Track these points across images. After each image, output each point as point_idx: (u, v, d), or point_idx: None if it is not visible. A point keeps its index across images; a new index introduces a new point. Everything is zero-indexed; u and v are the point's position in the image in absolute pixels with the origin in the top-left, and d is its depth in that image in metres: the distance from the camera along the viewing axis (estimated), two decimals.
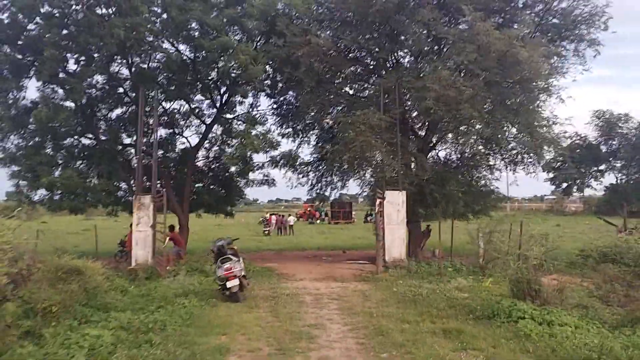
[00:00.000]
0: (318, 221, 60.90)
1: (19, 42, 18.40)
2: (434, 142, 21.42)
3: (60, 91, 19.66)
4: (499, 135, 19.29)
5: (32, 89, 19.86)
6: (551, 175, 29.53)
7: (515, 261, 9.91)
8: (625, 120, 22.95)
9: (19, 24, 18.22)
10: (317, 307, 10.43)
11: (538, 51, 15.82)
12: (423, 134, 21.32)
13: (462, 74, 17.26)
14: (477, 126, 19.01)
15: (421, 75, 16.95)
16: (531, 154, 20.11)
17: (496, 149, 20.60)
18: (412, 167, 19.72)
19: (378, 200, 16.58)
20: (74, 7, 17.54)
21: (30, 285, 8.72)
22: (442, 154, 22.11)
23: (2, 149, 20.01)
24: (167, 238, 17.48)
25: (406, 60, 19.97)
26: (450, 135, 20.67)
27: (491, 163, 21.15)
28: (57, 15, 17.45)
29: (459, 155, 21.47)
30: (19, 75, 18.92)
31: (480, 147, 20.55)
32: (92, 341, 7.09)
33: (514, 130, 19.92)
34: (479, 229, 15.20)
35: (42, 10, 17.66)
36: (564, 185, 32.26)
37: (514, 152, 20.64)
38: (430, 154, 21.47)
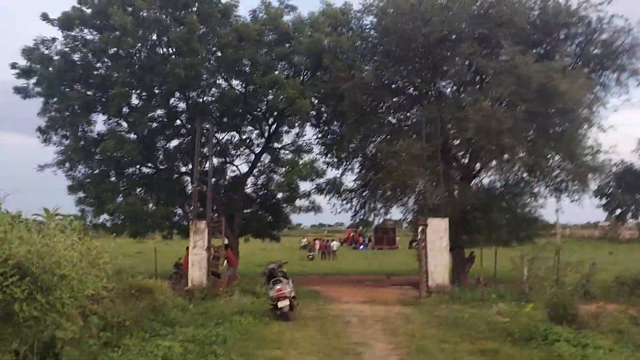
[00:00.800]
0: (361, 246, 61.24)
1: (90, 81, 20.30)
2: (478, 169, 21.84)
3: (124, 124, 21.47)
4: (543, 164, 19.63)
5: (98, 122, 21.84)
6: (603, 201, 28.08)
7: (551, 287, 10.35)
8: None
9: (89, 64, 20.15)
10: (362, 327, 11.14)
11: (578, 82, 16.26)
12: (466, 161, 21.78)
13: (503, 105, 17.80)
14: (520, 154, 19.46)
15: (462, 105, 17.56)
16: (575, 182, 20.25)
17: (540, 176, 20.89)
18: (455, 194, 20.23)
19: (420, 228, 17.14)
20: (137, 47, 19.29)
21: (106, 302, 9.83)
22: (485, 181, 22.55)
23: (71, 177, 21.79)
24: (225, 260, 18.52)
25: (448, 90, 20.66)
26: (494, 162, 21.04)
27: (535, 191, 21.37)
28: (123, 55, 19.19)
29: (503, 183, 21.80)
30: (88, 110, 20.81)
31: (525, 174, 20.91)
32: (164, 351, 8.04)
33: (557, 157, 20.19)
34: (522, 255, 15.50)
35: (110, 52, 19.51)
36: (618, 211, 31.28)
37: (558, 179, 20.84)
38: (473, 181, 21.94)
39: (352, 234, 66.55)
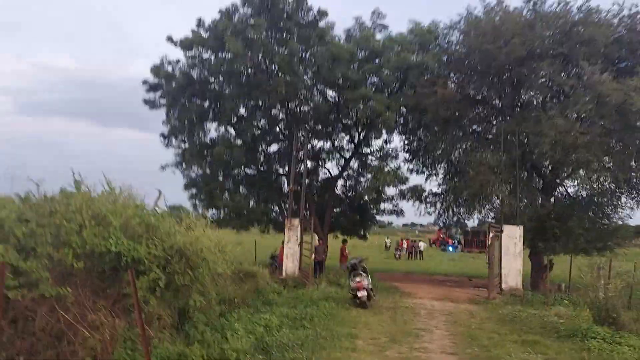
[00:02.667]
0: (450, 248, 61.56)
1: (205, 94, 23.65)
2: (563, 178, 22.45)
3: (232, 131, 24.67)
4: (629, 175, 20.01)
5: (210, 130, 25.41)
6: None
7: (595, 292, 11.51)
8: None
9: (206, 80, 23.48)
10: (429, 318, 12.96)
11: None
12: (547, 172, 22.49)
13: (581, 121, 18.53)
14: (607, 166, 20.02)
15: (539, 121, 18.54)
16: None
17: (625, 187, 21.20)
18: (534, 203, 21.13)
19: (490, 234, 18.42)
20: (246, 68, 22.23)
21: (221, 282, 12.50)
22: (571, 190, 23.11)
23: (187, 176, 25.42)
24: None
25: (528, 105, 21.51)
26: (581, 172, 21.58)
27: (622, 201, 21.66)
28: (234, 74, 22.21)
29: (587, 193, 22.26)
30: (203, 119, 24.20)
31: (612, 185, 21.33)
32: (265, 322, 10.44)
33: None
34: (590, 265, 16.30)
35: (223, 70, 22.65)
36: None
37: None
38: (557, 190, 22.64)
39: (441, 235, 66.98)
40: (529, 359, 8.76)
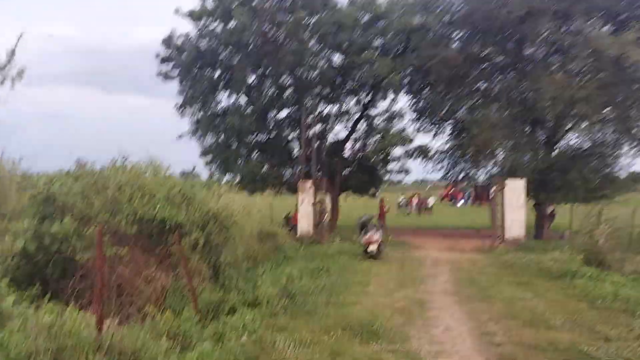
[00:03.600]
0: (461, 201, 62.63)
1: (216, 65, 24.50)
2: (561, 133, 23.27)
3: (242, 99, 25.64)
4: (632, 124, 20.80)
5: (222, 99, 26.00)
6: None
7: (585, 237, 12.67)
8: None
9: (215, 51, 24.26)
10: (434, 267, 14.26)
11: None
12: (551, 125, 23.22)
13: (579, 77, 19.24)
14: (609, 116, 20.82)
15: (538, 78, 19.28)
16: None
17: (627, 137, 21.99)
18: (536, 156, 22.06)
19: (493, 187, 19.49)
20: (254, 37, 22.95)
21: (246, 240, 13.82)
22: (572, 142, 23.97)
23: (201, 144, 26.57)
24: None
25: (529, 61, 22.15)
26: (585, 123, 22.34)
27: (624, 150, 22.47)
28: (242, 44, 22.96)
29: (587, 145, 23.11)
30: (215, 89, 25.14)
31: (614, 135, 22.14)
32: (287, 273, 11.73)
33: None
34: (587, 213, 17.37)
35: (231, 39, 23.40)
36: None
37: None
38: (559, 142, 23.52)
39: (452, 189, 68.01)
40: (519, 295, 10.01)
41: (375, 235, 15.42)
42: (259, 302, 8.47)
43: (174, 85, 25.83)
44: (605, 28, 19.84)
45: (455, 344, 7.07)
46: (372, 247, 15.15)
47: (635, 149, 22.46)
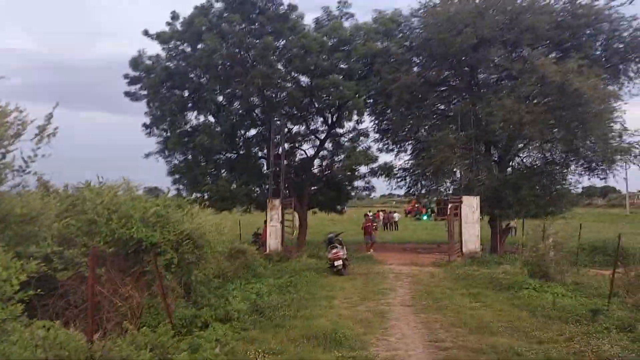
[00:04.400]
0: (425, 217, 64.23)
1: (185, 85, 25.10)
2: (514, 152, 24.76)
3: (211, 119, 26.24)
4: (577, 145, 22.34)
5: (191, 118, 26.41)
6: None
7: (530, 251, 13.80)
8: None
9: (185, 72, 24.87)
10: (395, 280, 15.15)
11: (591, 80, 18.85)
12: (502, 145, 24.70)
13: (527, 101, 20.68)
14: (558, 137, 22.35)
15: (489, 102, 20.63)
16: (602, 163, 22.78)
17: (573, 157, 23.58)
18: (490, 174, 23.41)
19: (450, 205, 20.65)
20: (221, 60, 23.67)
21: (217, 260, 14.39)
22: (525, 160, 25.50)
23: (169, 162, 26.98)
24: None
25: (482, 85, 23.61)
26: (536, 143, 23.87)
27: (566, 170, 24.07)
28: (212, 66, 23.65)
29: (538, 163, 24.67)
30: (184, 109, 25.69)
31: (563, 154, 23.72)
32: (256, 290, 12.44)
33: (588, 142, 22.76)
34: (534, 228, 18.65)
35: (201, 62, 24.08)
36: None
37: (589, 160, 23.45)
38: (512, 161, 24.99)
39: (416, 205, 69.61)
40: (469, 305, 10.95)
41: (341, 252, 16.23)
42: (230, 317, 9.12)
43: (141, 104, 26.28)
44: (552, 55, 21.38)
45: (408, 349, 7.89)
46: (338, 263, 15.94)
47: (581, 167, 24.11)
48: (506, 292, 12.40)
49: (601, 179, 23.94)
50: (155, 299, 9.04)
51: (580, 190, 25.70)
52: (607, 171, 23.09)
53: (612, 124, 21.10)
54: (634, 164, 23.00)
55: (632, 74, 22.17)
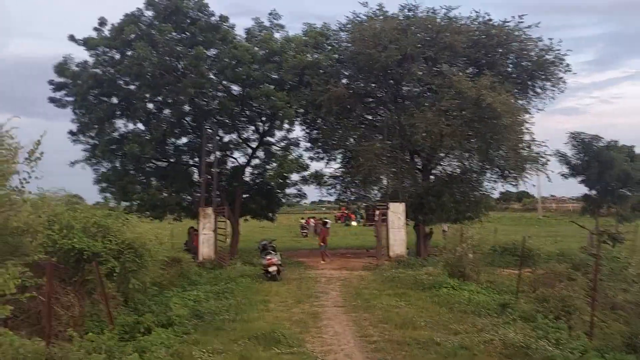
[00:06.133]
0: (354, 223, 65.91)
1: (114, 92, 24.72)
2: (435, 161, 26.49)
3: (141, 126, 26.01)
4: (492, 155, 24.25)
5: (120, 126, 25.80)
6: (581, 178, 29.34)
7: (448, 254, 15.13)
8: (597, 140, 27.38)
9: (114, 79, 24.51)
10: (327, 284, 15.98)
11: (502, 96, 20.71)
12: (425, 155, 26.35)
13: (447, 114, 22.32)
14: (475, 147, 24.17)
15: (412, 114, 22.08)
16: (513, 171, 24.88)
17: (488, 165, 25.57)
18: (414, 182, 24.92)
19: (377, 211, 21.85)
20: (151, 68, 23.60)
21: (150, 267, 14.53)
22: (447, 169, 27.32)
23: (97, 171, 26.38)
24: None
25: (406, 98, 25.17)
26: (455, 152, 25.68)
27: (482, 178, 26.08)
28: (142, 73, 23.52)
29: (458, 171, 26.52)
30: (112, 117, 25.29)
31: (480, 163, 25.62)
32: (194, 297, 12.76)
33: (501, 151, 24.78)
34: (453, 232, 20.19)
35: (131, 70, 23.85)
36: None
37: (502, 168, 25.52)
38: (435, 169, 26.70)
39: (345, 212, 71.35)
40: (395, 304, 11.94)
41: (275, 258, 16.83)
42: (171, 322, 9.49)
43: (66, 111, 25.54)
44: (469, 70, 23.20)
45: (341, 344, 8.66)
46: (272, 269, 16.53)
47: (495, 175, 26.21)
48: (428, 291, 13.53)
49: (513, 186, 26.13)
50: (97, 306, 9.24)
51: (497, 196, 27.87)
52: (518, 178, 25.23)
53: (521, 136, 23.15)
54: (541, 171, 25.35)
55: (538, 90, 24.51)
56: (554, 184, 54.98)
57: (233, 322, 10.23)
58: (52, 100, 25.26)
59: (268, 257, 16.92)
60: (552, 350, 7.36)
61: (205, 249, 21.89)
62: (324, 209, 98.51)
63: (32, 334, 7.77)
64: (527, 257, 15.35)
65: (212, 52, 24.34)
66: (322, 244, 24.57)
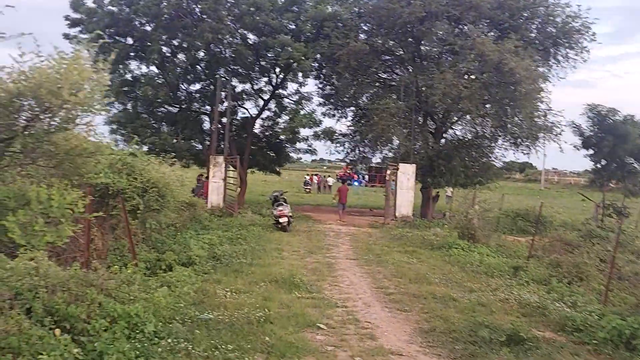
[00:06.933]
0: (355, 183, 66.18)
1: (131, 32, 24.27)
2: (453, 122, 26.33)
3: (154, 69, 25.71)
4: (506, 121, 24.08)
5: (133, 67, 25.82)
6: (591, 151, 28.72)
7: (460, 216, 15.26)
8: (613, 113, 27.08)
9: (131, 19, 24.04)
10: (336, 238, 16.18)
11: (525, 61, 20.37)
12: (440, 117, 26.18)
13: (466, 76, 22.02)
14: (489, 112, 23.98)
15: (432, 74, 21.79)
16: (527, 139, 24.76)
17: (501, 132, 25.42)
18: (426, 144, 24.85)
19: (389, 170, 21.87)
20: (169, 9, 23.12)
21: (165, 211, 14.67)
22: (459, 133, 27.23)
23: (107, 111, 26.23)
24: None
25: (425, 57, 24.77)
26: (468, 117, 25.53)
27: (499, 143, 25.97)
28: (160, 14, 23.07)
29: (469, 136, 26.42)
30: (127, 57, 24.93)
31: (492, 129, 25.46)
32: (207, 240, 12.92)
33: (516, 119, 24.59)
34: (464, 196, 20.28)
35: (149, 10, 23.34)
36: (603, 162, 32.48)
37: (515, 136, 25.38)
38: (447, 132, 26.58)
39: (348, 171, 71.52)
40: (406, 260, 12.12)
41: (286, 209, 16.97)
42: (192, 261, 9.65)
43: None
44: (491, 34, 22.74)
45: (358, 293, 8.84)
46: (283, 220, 16.70)
47: (507, 142, 26.09)
48: (438, 251, 13.71)
49: (525, 154, 26.03)
50: (119, 242, 9.38)
51: (500, 165, 27.82)
52: (531, 147, 25.17)
53: (538, 104, 22.94)
54: (554, 141, 25.23)
55: (560, 58, 24.06)
56: (555, 156, 54.94)
57: (250, 265, 10.41)
58: (66, 36, 24.85)
59: (280, 208, 17.07)
60: (569, 312, 7.51)
61: (214, 197, 22.02)
62: (324, 167, 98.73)
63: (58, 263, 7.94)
64: (540, 223, 15.44)
65: None
66: (341, 202, 23.34)
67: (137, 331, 5.50)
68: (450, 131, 27.24)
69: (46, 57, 4.31)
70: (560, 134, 25.55)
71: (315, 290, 8.68)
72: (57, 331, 4.86)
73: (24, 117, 4.12)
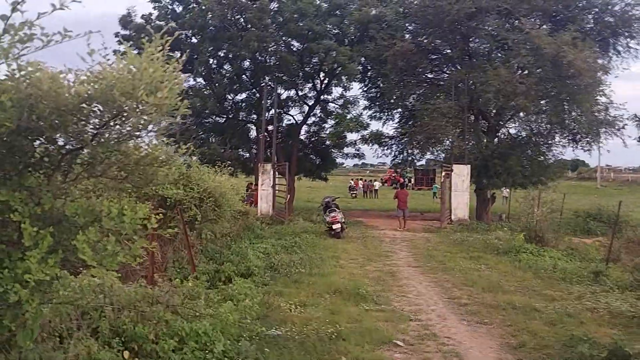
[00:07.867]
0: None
1: (176, 46, 24.51)
2: (506, 120, 25.29)
3: (201, 81, 25.93)
4: (563, 117, 22.91)
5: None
6: None
7: (526, 218, 14.36)
8: None
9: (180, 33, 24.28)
10: (392, 244, 15.57)
11: (584, 53, 19.27)
12: (493, 115, 25.17)
13: (520, 72, 21.04)
14: (544, 108, 22.89)
15: (485, 71, 20.92)
16: (588, 135, 23.49)
17: (558, 128, 24.22)
18: (480, 144, 23.89)
19: (444, 173, 21.08)
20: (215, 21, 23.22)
21: (221, 221, 14.49)
22: (513, 131, 26.13)
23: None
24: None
25: (475, 54, 23.89)
26: (522, 114, 24.48)
27: (551, 141, 24.76)
28: (206, 26, 23.24)
29: (527, 133, 25.28)
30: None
31: (548, 126, 24.32)
32: (262, 249, 12.60)
33: (574, 114, 23.37)
34: (525, 197, 19.25)
35: (196, 22, 23.52)
36: None
37: (574, 132, 24.14)
38: (500, 131, 25.53)
39: (393, 174, 70.50)
40: (473, 267, 11.42)
41: (339, 215, 16.53)
42: (251, 272, 9.32)
43: None
44: (544, 27, 21.69)
45: (429, 305, 8.26)
46: (337, 226, 16.25)
47: (565, 138, 24.83)
48: (505, 255, 12.92)
49: (585, 151, 24.78)
50: (178, 254, 9.16)
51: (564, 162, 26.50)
52: (592, 143, 23.87)
53: (598, 97, 21.70)
54: (617, 136, 23.81)
55: (620, 49, 22.77)
56: (610, 154, 52.29)
57: (309, 275, 10.00)
58: (116, 53, 25.36)
59: (332, 214, 16.63)
60: None
61: (264, 205, 21.81)
62: (367, 171, 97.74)
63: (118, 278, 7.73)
64: (615, 224, 14.37)
65: (274, 5, 23.77)
66: (400, 208, 20.74)
67: (207, 351, 5.15)
68: (504, 129, 26.19)
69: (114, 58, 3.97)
70: (623, 128, 24.22)
71: (383, 302, 8.17)
72: (126, 354, 4.58)
73: (92, 124, 3.79)
